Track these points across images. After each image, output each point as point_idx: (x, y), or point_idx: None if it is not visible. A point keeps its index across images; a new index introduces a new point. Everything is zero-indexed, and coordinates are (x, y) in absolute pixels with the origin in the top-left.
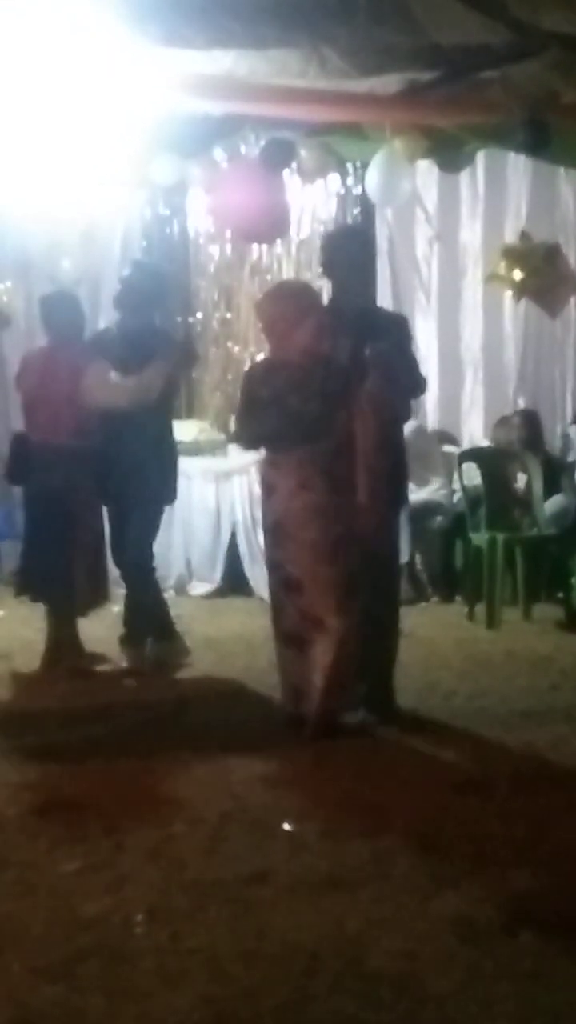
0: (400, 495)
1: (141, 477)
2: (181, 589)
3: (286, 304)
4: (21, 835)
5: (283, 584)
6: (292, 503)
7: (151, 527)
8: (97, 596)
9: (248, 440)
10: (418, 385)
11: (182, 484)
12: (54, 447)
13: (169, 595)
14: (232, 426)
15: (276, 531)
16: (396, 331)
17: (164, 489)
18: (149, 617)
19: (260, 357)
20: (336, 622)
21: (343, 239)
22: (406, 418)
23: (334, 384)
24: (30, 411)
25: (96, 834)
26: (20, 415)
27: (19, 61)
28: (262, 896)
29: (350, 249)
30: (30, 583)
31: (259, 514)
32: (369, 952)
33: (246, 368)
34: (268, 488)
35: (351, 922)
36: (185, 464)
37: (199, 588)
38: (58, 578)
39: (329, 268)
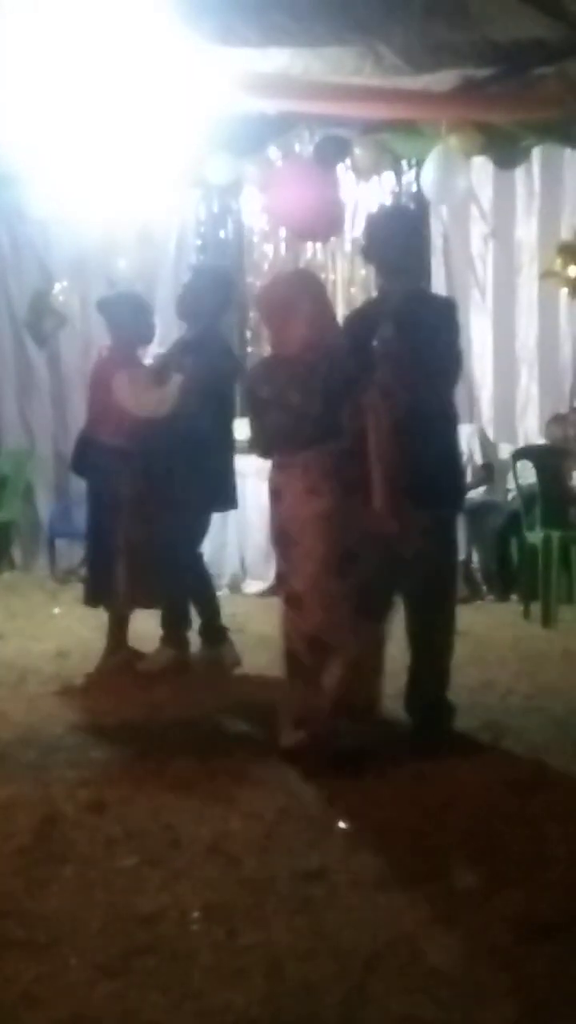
0: (450, 495)
1: (181, 480)
2: (235, 587)
3: (281, 293)
4: (78, 831)
5: (285, 600)
6: (299, 511)
7: (185, 531)
8: (138, 597)
9: (259, 446)
10: (448, 372)
11: (236, 483)
12: (104, 446)
13: (223, 593)
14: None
15: (281, 540)
16: (438, 318)
17: (209, 494)
18: (185, 616)
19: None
20: (342, 643)
21: (384, 220)
22: (442, 406)
23: (338, 380)
24: (88, 409)
25: (152, 830)
26: (78, 411)
27: (75, 60)
28: (319, 893)
29: (391, 230)
30: (89, 590)
31: None
32: (426, 950)
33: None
34: (275, 494)
35: (408, 920)
36: (240, 462)
37: (253, 586)
38: (101, 575)
39: (369, 251)
